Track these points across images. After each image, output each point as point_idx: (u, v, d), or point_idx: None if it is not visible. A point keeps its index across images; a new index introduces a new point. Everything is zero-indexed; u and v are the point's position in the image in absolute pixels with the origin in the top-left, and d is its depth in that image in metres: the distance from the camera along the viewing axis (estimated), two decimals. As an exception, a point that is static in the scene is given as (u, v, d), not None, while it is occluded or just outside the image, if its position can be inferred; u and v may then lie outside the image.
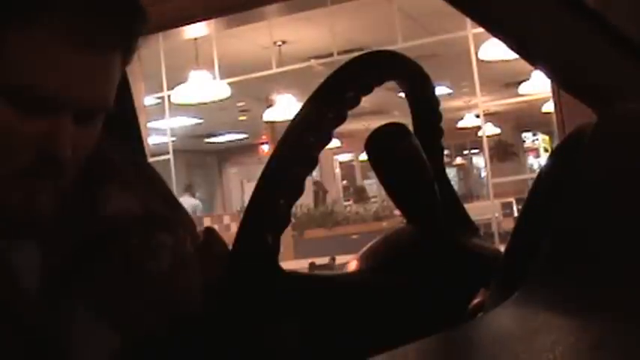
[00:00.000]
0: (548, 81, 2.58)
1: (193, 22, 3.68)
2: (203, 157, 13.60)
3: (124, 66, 0.74)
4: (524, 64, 0.67)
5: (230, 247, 0.72)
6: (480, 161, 14.56)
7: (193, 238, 0.89)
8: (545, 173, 0.66)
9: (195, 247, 0.87)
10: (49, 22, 0.65)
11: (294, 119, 0.70)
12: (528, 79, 6.54)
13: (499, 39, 0.59)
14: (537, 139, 13.41)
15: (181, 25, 3.75)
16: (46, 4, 0.65)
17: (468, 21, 3.62)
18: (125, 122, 1.06)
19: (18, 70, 0.65)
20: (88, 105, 0.69)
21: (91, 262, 0.74)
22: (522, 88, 7.01)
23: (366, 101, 0.73)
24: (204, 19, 3.70)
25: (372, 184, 12.74)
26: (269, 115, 7.27)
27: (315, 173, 9.50)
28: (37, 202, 0.69)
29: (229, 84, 5.58)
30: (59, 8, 0.65)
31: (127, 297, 0.75)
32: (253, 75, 5.68)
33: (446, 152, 4.07)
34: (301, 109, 0.71)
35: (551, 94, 2.72)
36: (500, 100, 7.46)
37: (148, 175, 0.91)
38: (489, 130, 9.96)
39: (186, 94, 5.46)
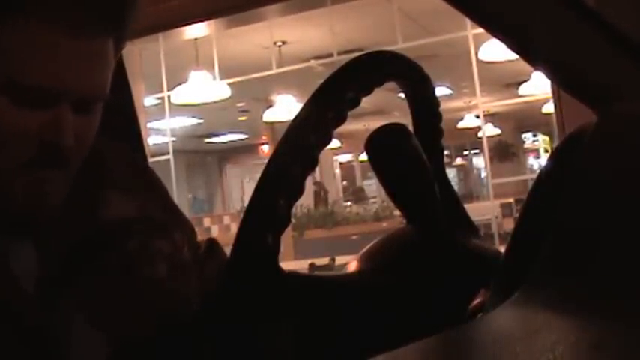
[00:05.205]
0: (548, 81, 2.58)
1: (193, 23, 3.68)
2: (203, 157, 13.59)
3: (117, 52, 0.73)
4: (524, 65, 0.67)
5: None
6: (480, 162, 14.55)
7: (192, 243, 0.88)
8: (545, 174, 0.65)
9: (196, 258, 0.87)
10: (36, 11, 0.64)
11: (294, 119, 0.70)
12: (528, 80, 6.55)
13: (499, 39, 0.59)
14: (537, 140, 13.40)
15: (181, 26, 3.74)
16: None
17: (468, 21, 3.62)
18: (125, 123, 1.06)
19: (11, 63, 0.65)
20: (84, 93, 0.69)
21: (88, 264, 0.74)
22: (522, 89, 7.01)
23: (366, 102, 0.73)
24: (205, 20, 3.69)
25: (372, 185, 12.74)
26: (269, 116, 7.28)
27: (315, 174, 9.49)
28: (45, 192, 0.69)
29: (229, 84, 5.58)
30: None
31: (123, 300, 0.75)
32: (253, 75, 5.67)
33: (446, 153, 4.08)
34: (301, 110, 0.71)
35: (551, 95, 2.72)
36: (500, 100, 7.47)
37: (147, 179, 0.91)
38: (489, 130, 9.96)
39: (186, 94, 5.46)
